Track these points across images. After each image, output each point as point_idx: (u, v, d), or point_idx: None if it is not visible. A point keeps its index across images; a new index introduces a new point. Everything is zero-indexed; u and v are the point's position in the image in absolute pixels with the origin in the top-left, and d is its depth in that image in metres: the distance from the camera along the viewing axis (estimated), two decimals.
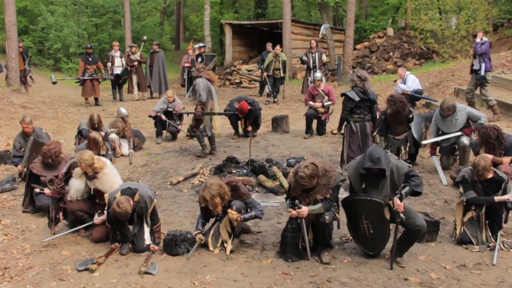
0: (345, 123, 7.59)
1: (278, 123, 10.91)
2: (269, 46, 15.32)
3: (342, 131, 7.82)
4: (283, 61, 14.58)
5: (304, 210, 4.81)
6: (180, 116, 10.46)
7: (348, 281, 4.55)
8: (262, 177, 7.41)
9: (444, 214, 6.13)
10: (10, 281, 4.67)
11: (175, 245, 5.12)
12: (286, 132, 10.82)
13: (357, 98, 7.23)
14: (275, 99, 14.86)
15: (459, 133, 7.50)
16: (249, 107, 9.94)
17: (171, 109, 10.30)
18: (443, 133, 7.65)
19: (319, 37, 17.46)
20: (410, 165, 4.98)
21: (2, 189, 7.19)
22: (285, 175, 7.50)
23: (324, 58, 14.50)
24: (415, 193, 4.83)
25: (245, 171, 7.68)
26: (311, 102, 10.26)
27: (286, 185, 7.12)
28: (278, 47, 14.74)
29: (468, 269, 4.77)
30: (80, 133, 8.62)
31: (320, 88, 10.32)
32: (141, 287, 4.53)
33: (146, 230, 5.35)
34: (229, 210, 5.12)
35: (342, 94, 7.55)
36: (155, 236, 5.36)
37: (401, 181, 4.77)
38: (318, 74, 10.84)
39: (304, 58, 14.47)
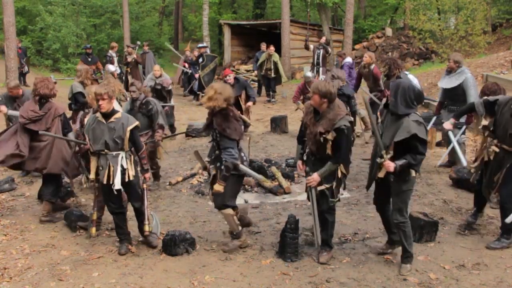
0: None
1: (277, 124, 10.92)
2: (263, 46, 15.35)
3: None
4: (274, 61, 14.60)
5: (315, 177, 4.79)
6: (169, 92, 10.23)
7: (347, 281, 4.56)
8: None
9: (443, 214, 6.13)
10: (9, 281, 4.67)
11: (174, 245, 5.12)
12: (285, 133, 10.82)
13: None
14: (273, 99, 14.89)
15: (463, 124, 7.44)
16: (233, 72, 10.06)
17: (159, 86, 10.11)
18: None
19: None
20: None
21: (1, 190, 7.18)
22: (284, 175, 7.51)
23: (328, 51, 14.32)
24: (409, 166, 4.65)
25: None
26: (299, 102, 10.20)
27: (285, 185, 7.14)
28: (271, 47, 14.75)
29: (467, 269, 4.77)
30: (74, 99, 7.69)
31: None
32: (140, 287, 4.53)
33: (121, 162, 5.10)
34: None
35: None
36: (143, 163, 5.26)
37: (399, 138, 4.45)
38: (310, 74, 10.56)
39: (310, 45, 14.33)
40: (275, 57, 14.72)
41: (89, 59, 14.48)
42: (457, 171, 7.11)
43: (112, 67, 9.52)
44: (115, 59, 15.16)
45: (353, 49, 20.03)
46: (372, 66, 9.53)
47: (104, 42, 24.59)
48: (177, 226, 5.83)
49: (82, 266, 4.96)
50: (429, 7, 19.98)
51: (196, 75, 15.26)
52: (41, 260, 5.12)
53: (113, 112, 5.06)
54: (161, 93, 10.19)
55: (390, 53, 19.95)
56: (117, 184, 5.05)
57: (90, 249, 5.35)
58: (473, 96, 7.34)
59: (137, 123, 5.16)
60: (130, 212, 5.49)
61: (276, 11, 29.22)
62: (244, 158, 5.23)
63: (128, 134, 5.03)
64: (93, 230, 5.45)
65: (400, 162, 4.45)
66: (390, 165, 4.47)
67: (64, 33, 23.16)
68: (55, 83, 14.58)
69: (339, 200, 5.05)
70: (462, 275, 4.67)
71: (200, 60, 15.04)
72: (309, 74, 10.49)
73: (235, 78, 9.91)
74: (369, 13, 26.56)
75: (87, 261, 5.06)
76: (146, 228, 5.19)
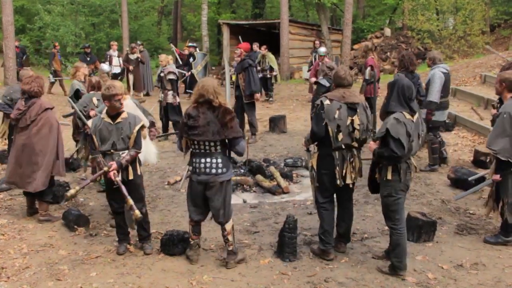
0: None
1: (276, 123, 10.91)
2: (255, 46, 15.35)
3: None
4: (268, 61, 14.61)
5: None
6: (171, 82, 10.02)
7: (346, 281, 4.56)
8: (259, 177, 7.41)
9: (441, 214, 6.14)
10: (7, 281, 4.65)
11: (172, 245, 5.12)
12: (283, 132, 10.82)
13: (327, 84, 8.09)
14: (271, 99, 14.90)
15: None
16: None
17: (162, 74, 10.05)
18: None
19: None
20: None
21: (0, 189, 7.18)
22: (283, 175, 7.51)
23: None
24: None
25: (242, 171, 7.67)
26: (313, 79, 10.19)
27: (283, 185, 7.14)
28: (264, 47, 14.75)
29: (465, 269, 4.78)
30: (76, 96, 7.68)
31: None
32: (138, 287, 4.52)
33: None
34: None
35: (315, 82, 8.40)
36: (126, 158, 5.00)
37: (379, 134, 4.54)
38: (322, 49, 10.71)
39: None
40: (269, 56, 14.71)
41: (88, 58, 14.47)
42: (455, 171, 7.11)
43: (107, 67, 9.49)
44: (114, 58, 15.14)
45: (352, 49, 20.05)
46: (367, 57, 9.87)
47: (102, 42, 24.59)
48: (175, 226, 5.82)
49: (80, 265, 4.95)
50: (428, 7, 20.00)
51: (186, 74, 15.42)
52: (39, 259, 5.11)
53: (120, 112, 5.07)
54: (163, 83, 10.09)
55: (388, 53, 19.97)
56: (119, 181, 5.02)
57: (88, 248, 5.34)
58: (432, 92, 7.28)
59: (142, 122, 5.18)
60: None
61: (275, 11, 29.23)
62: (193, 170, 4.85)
63: (135, 134, 5.04)
64: (136, 212, 4.90)
65: (379, 149, 4.54)
66: (372, 146, 4.63)
67: (63, 32, 23.17)
68: (54, 82, 14.65)
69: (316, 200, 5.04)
70: (460, 275, 4.67)
71: (191, 59, 15.13)
72: (322, 49, 10.61)
73: (246, 56, 9.73)
74: (368, 13, 26.59)
75: (85, 261, 5.05)
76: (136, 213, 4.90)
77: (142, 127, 5.18)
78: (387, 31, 21.88)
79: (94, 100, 6.99)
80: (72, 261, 5.03)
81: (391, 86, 4.60)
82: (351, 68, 19.19)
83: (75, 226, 5.82)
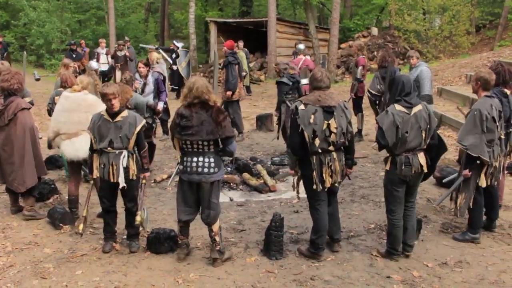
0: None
1: (263, 122, 10.92)
2: (240, 44, 15.24)
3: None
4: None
5: None
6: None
7: (331, 279, 4.58)
8: (246, 175, 7.41)
9: (427, 212, 6.19)
10: None
11: (158, 243, 5.11)
12: (270, 131, 10.82)
13: (290, 83, 8.24)
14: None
15: None
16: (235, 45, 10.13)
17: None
18: None
19: None
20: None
21: None
22: (270, 173, 7.52)
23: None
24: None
25: (229, 169, 7.67)
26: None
27: (270, 183, 7.15)
28: (238, 44, 14.61)
29: (449, 267, 4.83)
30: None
31: (300, 61, 10.12)
32: (124, 285, 4.50)
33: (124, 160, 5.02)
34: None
35: (277, 82, 8.46)
36: (144, 162, 5.22)
37: None
38: (301, 46, 10.65)
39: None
40: (241, 55, 14.59)
41: (74, 55, 14.33)
42: (441, 170, 7.17)
43: (95, 64, 9.41)
44: (102, 56, 15.03)
45: (339, 48, 20.11)
46: (358, 56, 9.92)
47: (89, 38, 24.37)
48: (161, 224, 5.81)
49: (66, 264, 4.92)
50: (415, 7, 20.14)
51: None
52: (23, 258, 5.06)
53: (120, 110, 5.03)
54: None
55: (375, 53, 20.07)
56: (122, 182, 4.99)
57: (74, 247, 5.31)
58: (425, 86, 7.64)
59: (144, 122, 5.16)
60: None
61: (262, 9, 29.20)
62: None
63: (135, 136, 5.02)
64: (81, 226, 5.26)
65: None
66: None
67: (48, 29, 22.92)
68: (39, 79, 14.44)
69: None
70: (444, 272, 4.72)
71: (174, 55, 15.13)
72: (301, 46, 10.57)
73: (229, 54, 9.72)
74: (355, 12, 26.70)
75: (71, 259, 5.01)
76: (138, 218, 5.07)
77: (143, 126, 5.16)
78: (374, 31, 21.99)
79: (56, 98, 6.69)
80: (57, 259, 4.99)
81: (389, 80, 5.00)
82: (338, 67, 19.26)
83: (61, 224, 5.77)
